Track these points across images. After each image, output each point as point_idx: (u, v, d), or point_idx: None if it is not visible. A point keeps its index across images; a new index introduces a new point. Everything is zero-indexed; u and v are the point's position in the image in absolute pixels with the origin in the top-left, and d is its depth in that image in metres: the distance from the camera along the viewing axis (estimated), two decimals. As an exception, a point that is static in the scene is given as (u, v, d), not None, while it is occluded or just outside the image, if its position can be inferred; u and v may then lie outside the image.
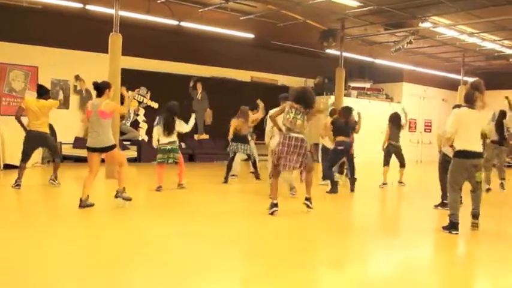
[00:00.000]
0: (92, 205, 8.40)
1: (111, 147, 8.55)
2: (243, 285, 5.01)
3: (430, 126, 26.51)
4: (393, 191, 13.19)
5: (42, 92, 10.78)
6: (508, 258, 6.51)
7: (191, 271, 5.15)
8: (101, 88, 8.63)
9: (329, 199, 11.07)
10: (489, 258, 6.47)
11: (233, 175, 13.51)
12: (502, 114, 12.87)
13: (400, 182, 13.57)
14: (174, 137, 10.94)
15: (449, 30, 16.89)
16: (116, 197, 8.72)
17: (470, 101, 7.50)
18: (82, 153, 15.92)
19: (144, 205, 9.38)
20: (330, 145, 12.52)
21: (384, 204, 11.71)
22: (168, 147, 10.87)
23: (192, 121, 11.30)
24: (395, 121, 13.49)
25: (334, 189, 11.58)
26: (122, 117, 11.18)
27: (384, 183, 13.21)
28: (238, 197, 10.98)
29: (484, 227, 7.89)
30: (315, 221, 8.45)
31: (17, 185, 10.33)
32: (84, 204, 8.34)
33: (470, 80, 15.77)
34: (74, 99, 17.71)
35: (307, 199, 8.69)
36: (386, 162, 13.45)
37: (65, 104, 17.35)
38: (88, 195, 8.41)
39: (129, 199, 8.71)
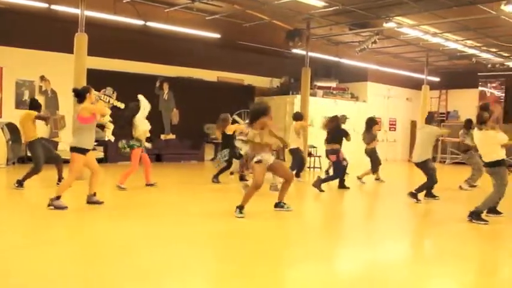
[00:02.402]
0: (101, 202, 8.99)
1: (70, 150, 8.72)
2: (216, 286, 5.05)
3: (395, 124, 26.86)
4: (364, 189, 13.40)
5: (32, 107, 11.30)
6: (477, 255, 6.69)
7: (164, 272, 5.17)
8: (80, 94, 8.81)
9: (302, 200, 11.19)
10: (456, 255, 6.63)
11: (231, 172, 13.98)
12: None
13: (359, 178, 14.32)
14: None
15: (413, 30, 17.13)
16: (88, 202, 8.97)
17: (480, 122, 8.68)
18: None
19: (113, 206, 9.36)
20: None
21: (356, 203, 11.86)
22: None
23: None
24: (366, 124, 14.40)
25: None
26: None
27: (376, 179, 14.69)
28: (208, 198, 11.00)
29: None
30: (289, 221, 8.53)
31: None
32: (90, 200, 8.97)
33: (434, 79, 15.79)
34: (39, 100, 17.41)
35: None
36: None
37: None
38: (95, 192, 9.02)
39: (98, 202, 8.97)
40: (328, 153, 12.56)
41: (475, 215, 8.45)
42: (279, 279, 5.30)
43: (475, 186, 13.29)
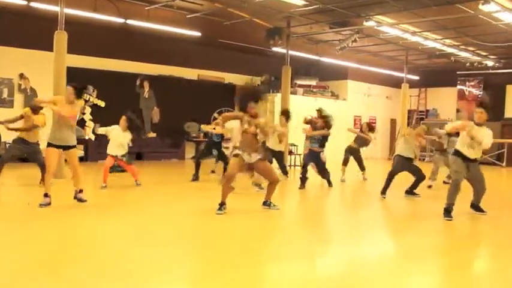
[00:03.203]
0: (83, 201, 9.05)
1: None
2: (193, 285, 5.06)
3: (375, 123, 26.98)
4: (340, 187, 13.47)
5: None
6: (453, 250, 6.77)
7: (143, 272, 5.18)
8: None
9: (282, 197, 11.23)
10: (430, 251, 6.71)
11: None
12: None
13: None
14: None
15: (392, 29, 17.23)
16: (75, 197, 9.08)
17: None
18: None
19: (93, 204, 9.34)
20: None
21: (331, 202, 11.93)
22: None
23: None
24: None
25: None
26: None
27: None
28: (189, 196, 11.01)
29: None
30: (272, 219, 8.55)
31: None
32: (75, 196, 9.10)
33: (414, 78, 15.88)
34: (18, 98, 17.36)
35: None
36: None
37: (9, 103, 17.07)
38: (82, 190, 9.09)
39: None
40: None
41: (445, 212, 8.64)
42: (260, 277, 5.32)
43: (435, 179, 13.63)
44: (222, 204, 8.43)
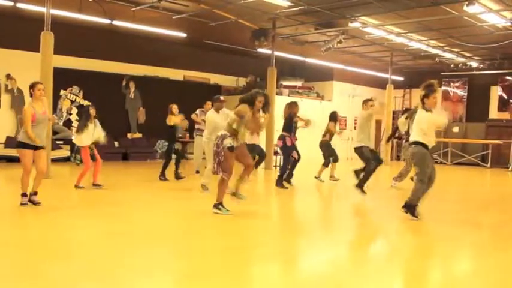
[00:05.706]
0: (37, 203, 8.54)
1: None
2: (179, 286, 5.04)
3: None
4: (326, 187, 13.53)
5: None
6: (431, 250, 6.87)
7: (127, 272, 5.18)
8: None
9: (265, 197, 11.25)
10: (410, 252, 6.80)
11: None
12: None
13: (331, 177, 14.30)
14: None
15: (377, 30, 17.34)
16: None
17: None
18: (14, 153, 15.74)
19: (77, 205, 9.35)
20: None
21: (316, 202, 11.97)
22: None
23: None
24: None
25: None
26: None
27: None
28: (171, 196, 10.96)
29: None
30: (251, 220, 8.55)
31: None
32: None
33: (399, 79, 15.68)
34: (5, 99, 17.34)
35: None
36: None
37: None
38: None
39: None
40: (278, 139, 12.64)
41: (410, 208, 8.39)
42: (247, 278, 5.34)
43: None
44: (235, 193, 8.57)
